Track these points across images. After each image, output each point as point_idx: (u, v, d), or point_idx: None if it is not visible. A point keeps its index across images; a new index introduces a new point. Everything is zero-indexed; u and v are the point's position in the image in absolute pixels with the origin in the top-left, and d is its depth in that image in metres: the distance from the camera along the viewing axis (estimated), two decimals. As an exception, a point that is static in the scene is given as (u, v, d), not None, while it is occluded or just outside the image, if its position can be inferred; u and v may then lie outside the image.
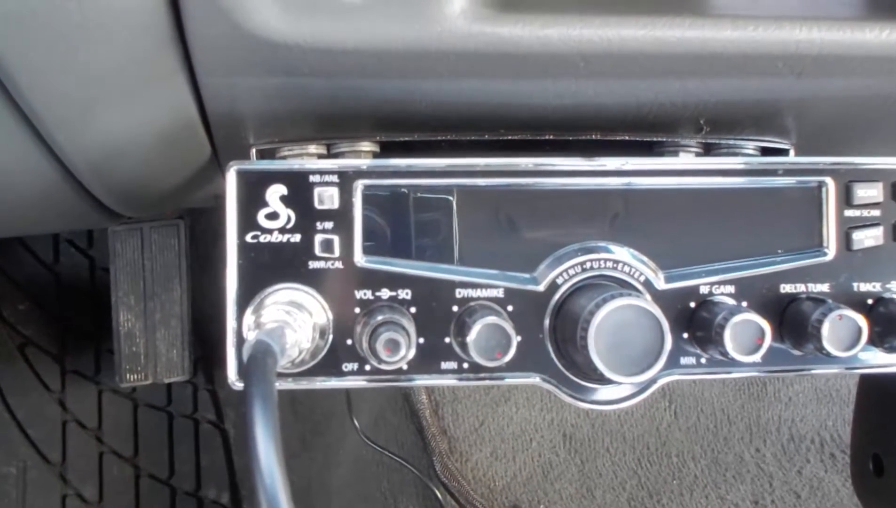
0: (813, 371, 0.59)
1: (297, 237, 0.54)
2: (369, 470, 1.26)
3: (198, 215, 1.44)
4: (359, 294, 0.55)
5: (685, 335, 0.57)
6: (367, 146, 0.62)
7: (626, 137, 0.64)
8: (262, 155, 0.62)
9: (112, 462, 1.52)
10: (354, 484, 1.31)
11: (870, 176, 0.59)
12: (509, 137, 0.63)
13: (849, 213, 0.59)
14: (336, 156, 0.62)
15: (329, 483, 1.35)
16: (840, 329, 0.54)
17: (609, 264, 0.57)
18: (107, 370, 1.52)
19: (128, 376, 1.41)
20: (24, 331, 1.52)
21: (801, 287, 0.58)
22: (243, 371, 0.50)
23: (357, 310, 0.55)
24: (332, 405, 1.36)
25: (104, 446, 1.52)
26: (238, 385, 0.53)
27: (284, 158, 0.61)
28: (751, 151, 0.66)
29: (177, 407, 1.55)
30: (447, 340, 0.55)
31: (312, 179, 0.55)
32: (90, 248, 1.54)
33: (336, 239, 0.55)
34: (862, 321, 0.55)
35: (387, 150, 0.62)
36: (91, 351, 1.53)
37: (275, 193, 0.54)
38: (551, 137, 0.64)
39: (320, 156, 0.62)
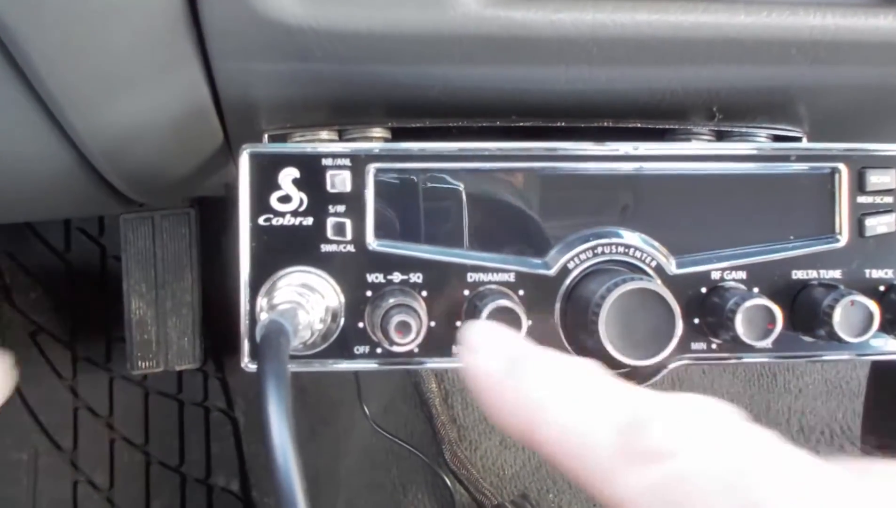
0: (824, 358, 0.58)
1: (309, 221, 0.55)
2: (378, 459, 1.27)
3: (208, 204, 1.44)
4: (370, 278, 0.55)
5: (696, 321, 0.57)
6: (378, 132, 0.62)
7: (638, 125, 0.64)
8: (274, 141, 0.62)
9: (123, 449, 1.52)
10: (363, 473, 1.31)
11: (883, 163, 0.59)
12: (520, 124, 0.63)
13: (861, 199, 0.59)
14: (347, 142, 0.62)
15: (338, 472, 1.35)
16: (852, 315, 0.54)
17: (620, 249, 0.57)
18: (118, 357, 1.52)
19: (139, 363, 1.41)
20: (35, 319, 1.53)
21: (812, 273, 0.58)
22: (256, 351, 0.50)
23: (369, 293, 0.55)
24: (341, 394, 1.36)
25: (115, 433, 1.52)
26: (251, 367, 0.54)
27: (296, 144, 0.61)
28: (763, 139, 0.66)
29: (187, 395, 1.55)
30: (458, 323, 0.55)
31: (325, 162, 0.55)
32: (101, 236, 1.55)
33: (348, 222, 0.55)
34: (874, 307, 0.54)
35: (397, 136, 0.62)
36: (102, 339, 1.54)
37: (287, 176, 0.54)
38: (563, 124, 0.64)
39: (332, 142, 0.62)
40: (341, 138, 0.62)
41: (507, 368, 0.34)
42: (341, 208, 0.55)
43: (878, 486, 0.27)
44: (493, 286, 0.55)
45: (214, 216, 1.44)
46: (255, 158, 0.54)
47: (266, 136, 0.62)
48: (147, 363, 1.43)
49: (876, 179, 0.58)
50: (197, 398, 1.56)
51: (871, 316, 0.54)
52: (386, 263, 0.55)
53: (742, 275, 0.57)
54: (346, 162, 0.55)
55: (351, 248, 0.55)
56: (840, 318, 0.54)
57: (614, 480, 0.29)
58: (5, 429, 1.48)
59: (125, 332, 1.42)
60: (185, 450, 1.54)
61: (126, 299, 1.41)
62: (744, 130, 0.65)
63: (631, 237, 0.57)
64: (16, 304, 1.52)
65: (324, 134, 0.62)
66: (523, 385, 0.33)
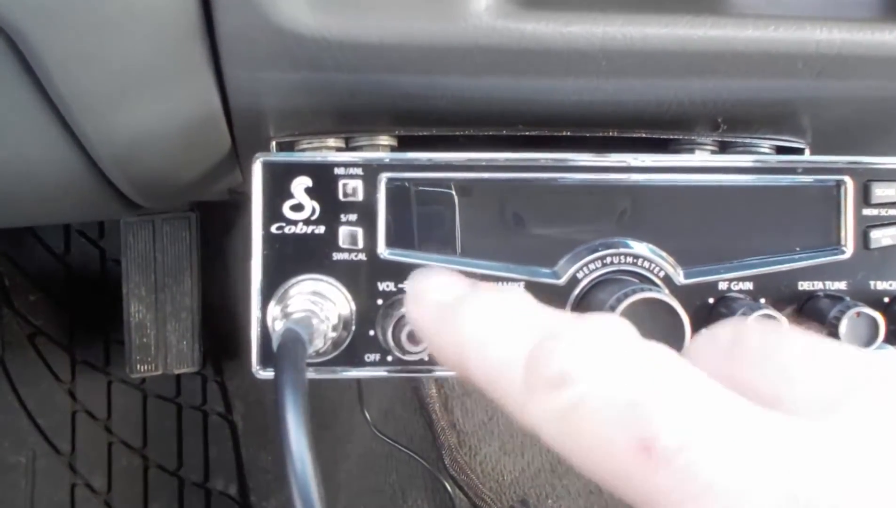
0: None
1: (321, 229, 0.55)
2: (378, 464, 1.27)
3: (208, 208, 1.44)
4: (381, 286, 0.55)
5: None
6: (385, 140, 0.62)
7: (643, 135, 0.65)
8: (282, 148, 0.63)
9: (121, 453, 1.52)
10: (363, 477, 1.31)
11: (888, 176, 0.59)
12: (526, 134, 0.64)
13: (867, 212, 0.59)
14: (354, 149, 0.62)
15: (337, 476, 1.35)
16: (858, 326, 0.55)
17: (629, 259, 0.57)
18: (116, 360, 1.52)
19: (138, 366, 1.41)
20: (34, 321, 1.53)
21: (818, 285, 0.59)
22: (273, 359, 0.50)
23: (380, 301, 0.55)
24: (340, 399, 1.36)
25: (113, 436, 1.52)
26: (262, 375, 0.54)
27: (304, 151, 0.62)
28: (766, 150, 0.66)
29: (186, 399, 1.55)
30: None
31: (337, 171, 0.55)
32: (101, 239, 1.55)
33: (360, 231, 0.55)
34: (879, 319, 0.55)
35: (404, 144, 0.63)
36: (101, 342, 1.54)
37: (300, 184, 0.55)
38: (568, 133, 0.64)
39: (339, 149, 0.62)
40: (348, 146, 0.62)
41: (442, 314, 0.36)
42: (353, 217, 0.55)
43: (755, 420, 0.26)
44: None
45: (215, 220, 1.44)
46: (268, 166, 0.54)
47: (274, 143, 0.63)
48: (146, 367, 1.43)
49: (881, 191, 0.59)
50: (195, 401, 1.56)
51: (876, 327, 0.55)
52: (397, 271, 0.55)
53: (749, 286, 0.58)
54: (359, 171, 0.55)
55: (362, 256, 0.55)
56: (846, 329, 0.55)
57: (526, 409, 0.30)
58: (3, 432, 1.48)
59: (124, 335, 1.42)
60: (184, 454, 1.54)
61: (125, 302, 1.41)
62: (747, 140, 0.66)
63: (639, 248, 0.57)
64: (15, 307, 1.52)
65: (331, 141, 0.62)
66: (454, 326, 0.35)
